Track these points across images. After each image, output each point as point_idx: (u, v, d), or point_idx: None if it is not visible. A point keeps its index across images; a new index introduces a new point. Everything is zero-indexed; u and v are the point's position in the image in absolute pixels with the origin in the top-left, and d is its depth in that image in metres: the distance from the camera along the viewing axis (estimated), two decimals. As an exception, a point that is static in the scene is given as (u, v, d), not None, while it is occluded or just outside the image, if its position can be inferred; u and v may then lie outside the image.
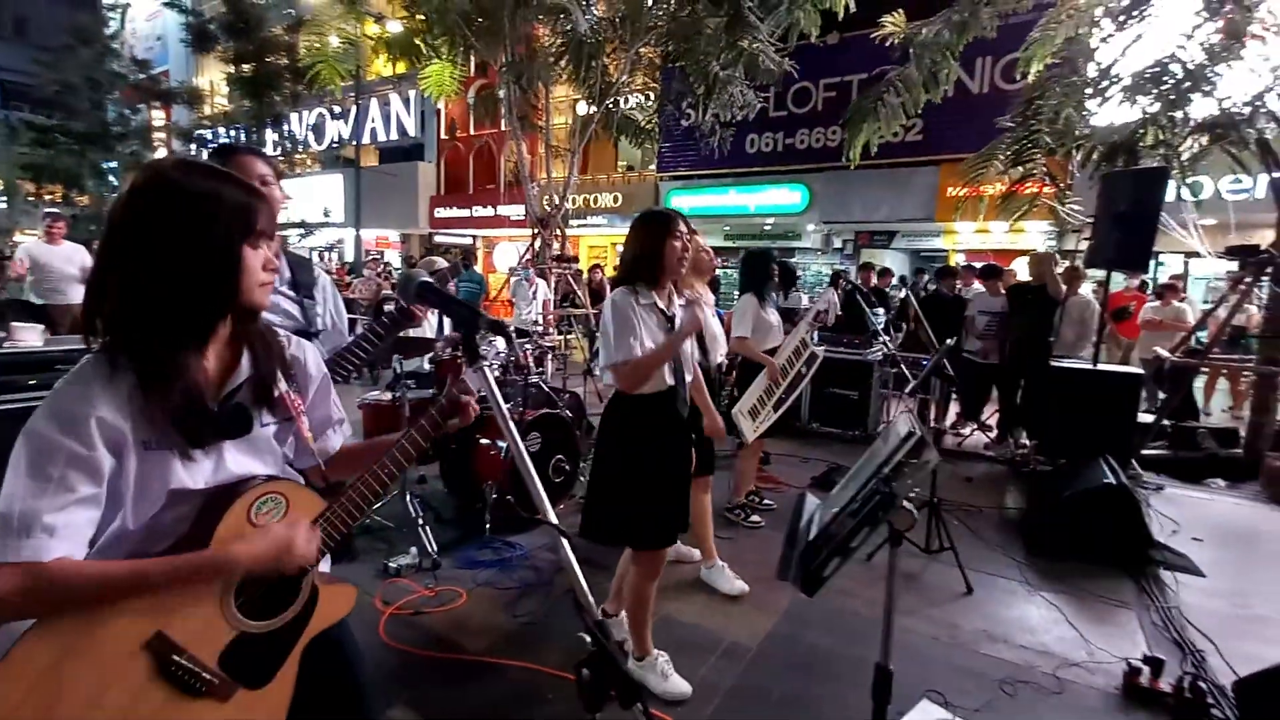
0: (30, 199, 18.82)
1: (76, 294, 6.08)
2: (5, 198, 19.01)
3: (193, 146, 14.79)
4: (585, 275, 9.86)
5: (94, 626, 0.87)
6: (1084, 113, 5.43)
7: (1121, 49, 5.02)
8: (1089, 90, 5.21)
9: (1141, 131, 4.94)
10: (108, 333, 0.90)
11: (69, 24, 16.13)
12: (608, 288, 8.48)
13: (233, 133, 13.63)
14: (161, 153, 16.27)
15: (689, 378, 2.22)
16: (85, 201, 16.32)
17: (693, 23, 7.59)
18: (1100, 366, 4.80)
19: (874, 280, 7.63)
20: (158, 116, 17.45)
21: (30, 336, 2.53)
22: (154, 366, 0.89)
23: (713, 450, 3.05)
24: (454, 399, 1.10)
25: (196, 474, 0.96)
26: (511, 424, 0.99)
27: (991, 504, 4.30)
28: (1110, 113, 5.23)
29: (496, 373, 3.86)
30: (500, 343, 3.40)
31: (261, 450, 1.05)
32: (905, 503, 1.18)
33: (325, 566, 1.14)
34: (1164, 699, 2.26)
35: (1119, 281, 7.64)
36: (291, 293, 1.78)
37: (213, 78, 16.86)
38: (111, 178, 16.21)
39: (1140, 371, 4.97)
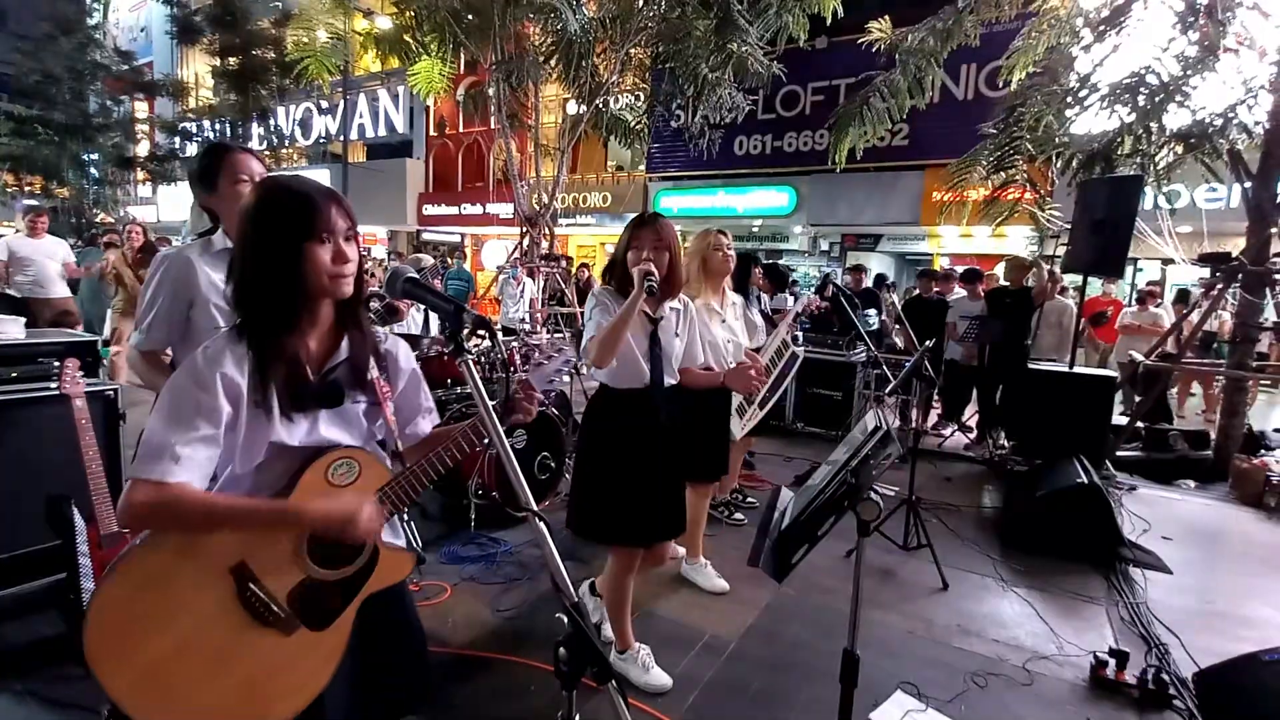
0: (9, 190, 18.46)
1: (57, 289, 6.01)
2: (-18, 188, 18.67)
3: (176, 140, 14.64)
4: (574, 274, 9.88)
5: (194, 547, 1.05)
6: (1064, 121, 5.54)
7: (1100, 59, 5.13)
8: (1069, 99, 5.32)
9: (1119, 140, 5.06)
10: (235, 311, 1.12)
11: (50, 13, 15.87)
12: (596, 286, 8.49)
13: (218, 126, 13.48)
14: (144, 145, 16.07)
15: (671, 381, 2.20)
16: (65, 194, 16.07)
17: (682, 24, 7.65)
18: (1077, 369, 4.91)
19: (866, 282, 7.65)
20: (141, 108, 17.21)
21: (12, 329, 2.53)
22: (259, 342, 1.08)
23: (725, 456, 3.03)
24: (515, 396, 1.28)
25: (293, 433, 1.12)
26: (495, 418, 1.03)
27: (969, 503, 4.39)
28: (1089, 121, 5.34)
29: (484, 370, 3.89)
30: (485, 340, 3.44)
31: (350, 423, 1.21)
32: (871, 493, 1.23)
33: (387, 535, 1.25)
34: (1128, 690, 2.34)
35: (1095, 286, 7.79)
36: None
37: (198, 70, 16.65)
38: (93, 170, 15.99)
39: (1115, 375, 5.09)
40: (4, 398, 2.40)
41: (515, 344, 4.25)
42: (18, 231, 6.57)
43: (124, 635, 1.00)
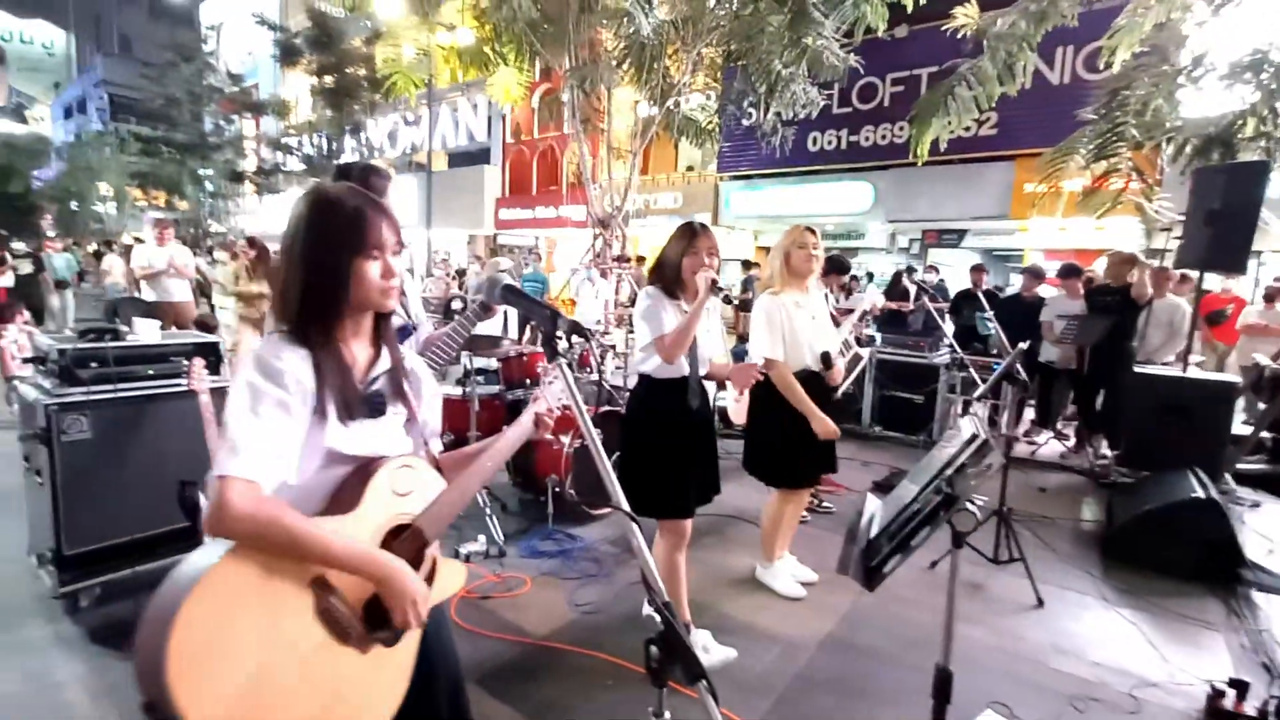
0: (138, 204, 20.50)
1: (179, 291, 6.66)
2: (115, 203, 20.84)
3: (279, 154, 15.82)
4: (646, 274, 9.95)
5: (277, 561, 0.99)
6: (1175, 103, 5.09)
7: (1216, 35, 4.69)
8: (1181, 79, 4.89)
9: (1240, 123, 4.61)
10: (279, 316, 1.11)
11: (171, 41, 17.50)
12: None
13: (316, 141, 14.43)
14: (252, 160, 17.46)
15: (703, 371, 2.38)
16: (185, 206, 17.71)
17: (755, 21, 7.55)
18: (1191, 373, 4.52)
19: (985, 283, 7.00)
20: (249, 127, 18.72)
21: (150, 331, 2.82)
22: (310, 345, 1.07)
23: (832, 455, 3.00)
24: (537, 420, 1.32)
25: (347, 441, 1.11)
26: (589, 421, 1.07)
27: (1066, 515, 4.12)
28: (1204, 103, 4.89)
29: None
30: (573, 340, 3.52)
31: (394, 433, 1.21)
32: (968, 505, 1.19)
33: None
34: (1251, 725, 2.15)
35: (1214, 283, 7.11)
36: None
37: (296, 88, 17.88)
38: (208, 184, 17.54)
39: (1237, 380, 4.64)
40: (142, 393, 2.68)
41: (592, 345, 4.35)
42: (145, 242, 7.32)
43: (209, 658, 0.90)
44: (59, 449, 2.45)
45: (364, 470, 1.11)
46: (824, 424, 2.74)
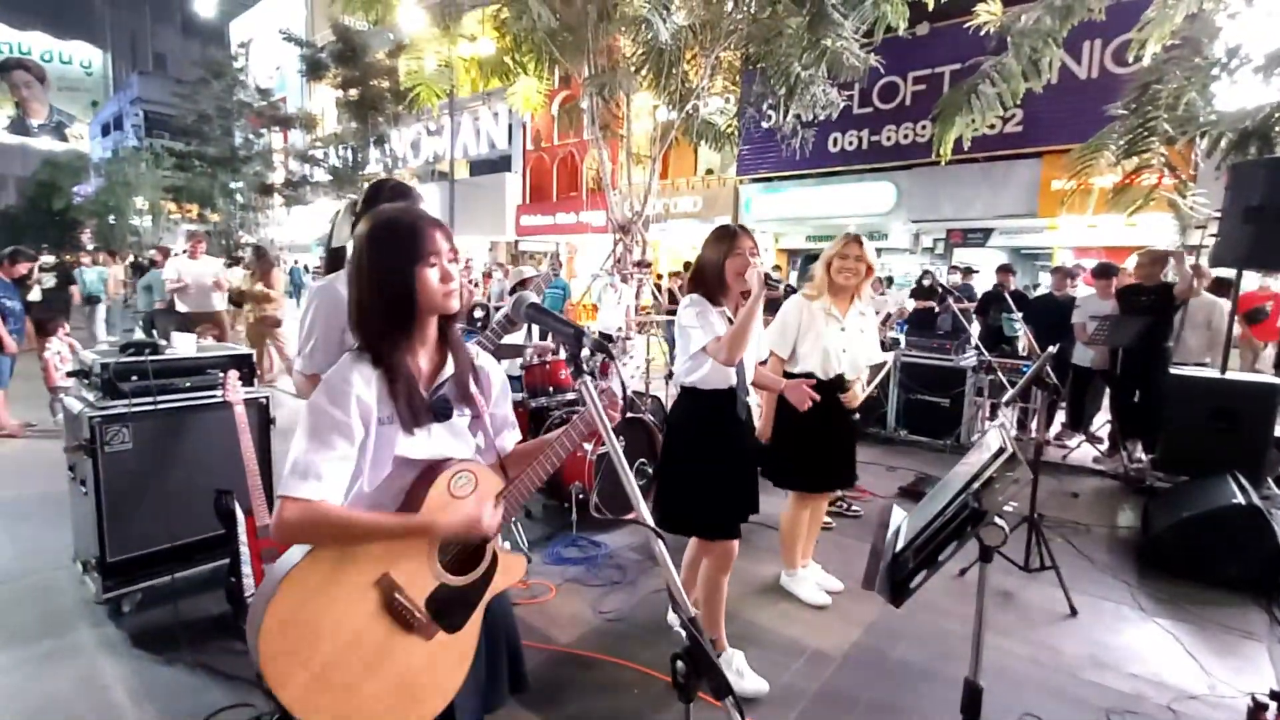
0: (171, 217, 21.11)
1: (214, 302, 6.86)
2: (150, 216, 21.51)
3: (306, 166, 16.17)
4: (666, 279, 9.95)
5: (344, 562, 1.13)
6: (1209, 97, 4.95)
7: (1251, 26, 4.55)
8: (1215, 72, 4.75)
9: (1278, 116, 4.47)
10: (355, 334, 1.21)
11: (203, 59, 18.04)
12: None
13: (342, 153, 14.72)
14: (280, 173, 17.89)
15: (749, 380, 2.32)
16: (216, 219, 18.20)
17: (774, 24, 7.52)
18: (1230, 375, 4.38)
19: (1013, 284, 6.89)
20: (277, 140, 19.18)
21: (186, 344, 2.91)
22: (381, 362, 1.17)
23: (852, 462, 3.02)
24: (587, 418, 1.34)
25: (415, 448, 1.21)
26: (612, 433, 1.08)
27: (1101, 522, 4.03)
28: (1240, 96, 4.75)
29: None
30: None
31: (461, 436, 1.30)
32: (997, 519, 1.17)
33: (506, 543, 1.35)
34: (1300, 741, 2.07)
35: (1251, 281, 6.89)
36: None
37: (322, 101, 18.27)
38: (238, 196, 18.01)
39: (1278, 381, 4.48)
40: (180, 404, 2.76)
41: (617, 362, 4.36)
42: (179, 254, 7.54)
43: (292, 645, 1.08)
44: (102, 459, 2.54)
45: (429, 473, 1.22)
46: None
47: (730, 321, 2.23)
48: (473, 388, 1.30)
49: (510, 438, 1.45)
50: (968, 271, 9.43)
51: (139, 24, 43.56)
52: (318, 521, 1.08)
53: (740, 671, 2.32)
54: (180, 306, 6.75)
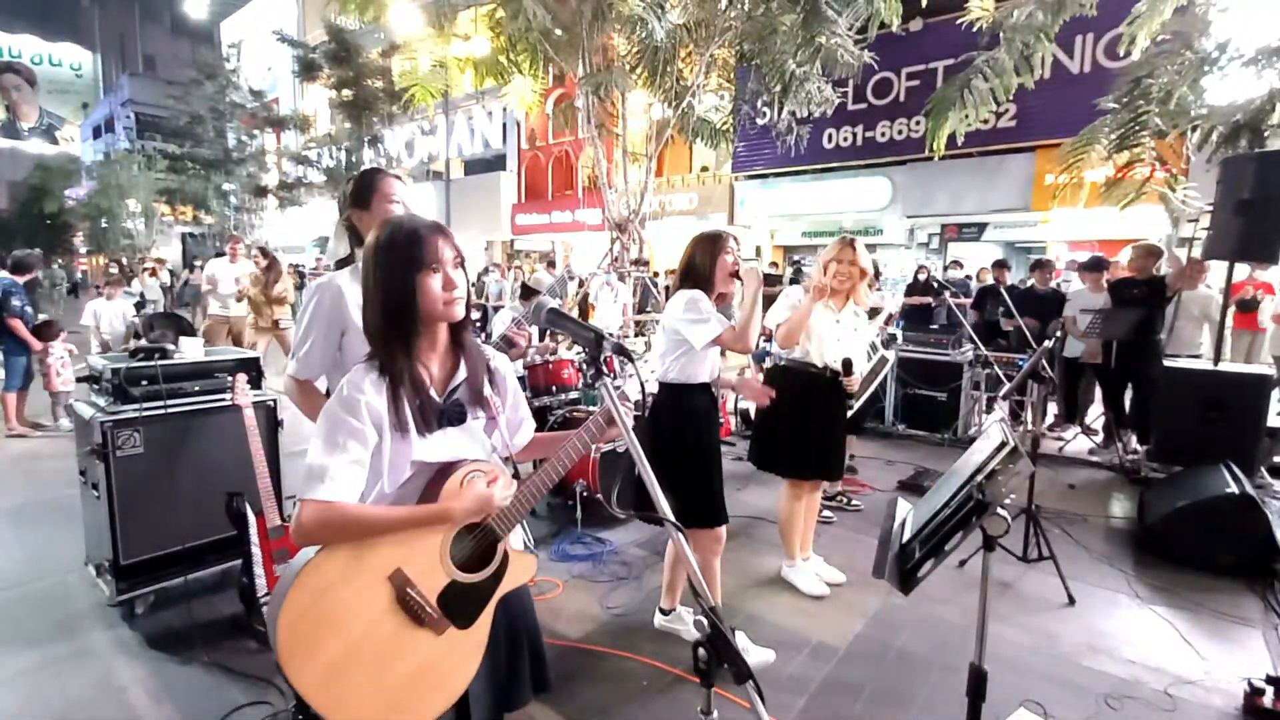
0: (165, 219, 21.00)
1: (236, 306, 6.88)
2: (144, 219, 21.40)
3: (300, 167, 16.12)
4: (663, 277, 9.97)
5: (358, 558, 1.16)
6: (1199, 90, 5.01)
7: (1241, 19, 4.60)
8: (1205, 66, 4.80)
9: (1269, 109, 4.52)
10: (369, 343, 1.24)
11: (194, 60, 17.94)
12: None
13: (336, 153, 14.67)
14: (274, 174, 17.81)
15: (717, 375, 2.48)
16: (210, 220, 18.14)
17: (768, 22, 7.55)
18: (1223, 366, 4.45)
19: (1008, 279, 6.82)
20: (270, 141, 19.09)
21: (195, 349, 2.94)
22: (391, 369, 1.20)
23: (841, 455, 3.14)
24: (607, 414, 1.36)
25: (431, 451, 1.24)
26: (633, 434, 1.12)
27: (1096, 512, 4.09)
28: (1231, 89, 4.80)
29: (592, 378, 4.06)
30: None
31: (474, 438, 1.32)
32: (999, 509, 1.22)
33: (516, 543, 1.39)
34: (1292, 722, 2.13)
35: (1241, 273, 6.96)
36: None
37: (316, 101, 18.19)
38: (232, 198, 17.94)
39: (1272, 371, 4.56)
40: (189, 408, 2.79)
41: (636, 366, 4.39)
42: (215, 258, 7.68)
43: (308, 637, 1.11)
44: (114, 464, 2.57)
45: (443, 474, 1.24)
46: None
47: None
48: (487, 390, 1.32)
49: (525, 434, 1.50)
50: (954, 265, 9.52)
51: (128, 25, 43.21)
52: (334, 520, 1.12)
53: (745, 648, 2.41)
54: (213, 307, 6.89)
